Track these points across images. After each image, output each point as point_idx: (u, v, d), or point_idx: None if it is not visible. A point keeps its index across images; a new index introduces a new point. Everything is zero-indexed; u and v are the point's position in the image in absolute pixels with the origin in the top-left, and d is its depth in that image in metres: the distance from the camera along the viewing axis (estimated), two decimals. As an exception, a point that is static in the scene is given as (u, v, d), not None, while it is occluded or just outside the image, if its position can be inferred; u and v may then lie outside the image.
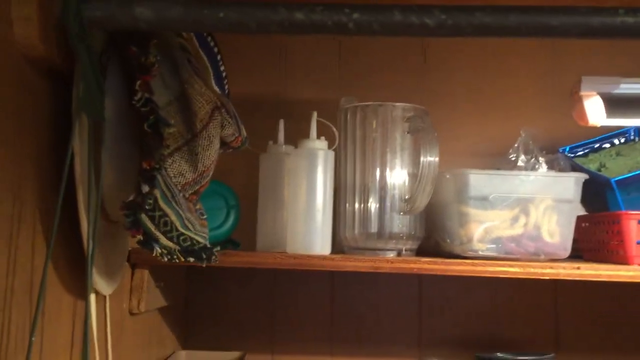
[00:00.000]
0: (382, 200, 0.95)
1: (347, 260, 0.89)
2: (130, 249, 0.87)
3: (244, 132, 0.76)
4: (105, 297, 0.77)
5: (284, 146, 1.01)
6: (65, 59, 0.59)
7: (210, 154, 0.69)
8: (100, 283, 0.71)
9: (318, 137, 0.96)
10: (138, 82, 0.60)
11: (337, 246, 0.99)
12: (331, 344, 1.23)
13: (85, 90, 0.56)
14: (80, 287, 0.68)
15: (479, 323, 1.20)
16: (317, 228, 0.92)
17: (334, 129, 0.98)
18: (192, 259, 0.69)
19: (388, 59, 1.24)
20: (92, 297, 0.70)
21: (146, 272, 0.91)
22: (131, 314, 0.90)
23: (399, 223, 0.95)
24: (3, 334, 0.53)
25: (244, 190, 1.06)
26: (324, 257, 0.90)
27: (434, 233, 1.00)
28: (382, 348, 1.23)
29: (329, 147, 0.96)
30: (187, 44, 0.67)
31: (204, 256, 0.70)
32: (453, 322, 1.21)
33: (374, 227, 0.95)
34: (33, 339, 0.53)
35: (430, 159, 0.89)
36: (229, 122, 0.70)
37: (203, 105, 0.67)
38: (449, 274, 0.89)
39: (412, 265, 0.89)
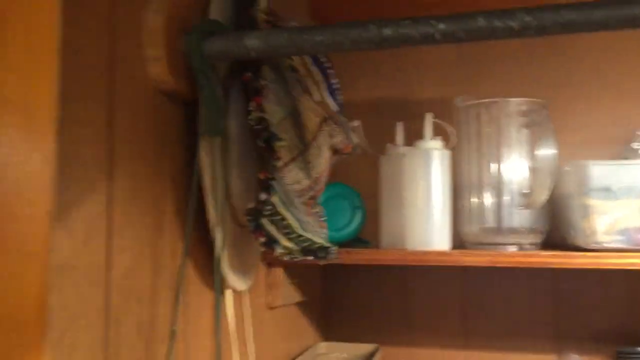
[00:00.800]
0: (499, 196, 0.96)
1: (464, 255, 0.92)
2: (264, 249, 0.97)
3: (354, 139, 0.82)
4: (241, 292, 0.87)
5: (402, 147, 1.05)
6: (192, 89, 0.69)
7: (321, 162, 0.75)
8: (234, 280, 0.80)
9: (437, 136, 0.99)
10: (251, 103, 0.69)
11: (459, 242, 1.01)
12: (465, 337, 1.25)
13: (207, 114, 0.65)
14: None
15: (618, 317, 1.16)
16: (435, 225, 0.96)
17: (449, 128, 1.01)
18: (310, 258, 0.76)
19: (507, 50, 1.23)
20: (229, 293, 0.80)
21: (280, 270, 1.00)
22: (269, 308, 1.00)
23: (518, 218, 0.96)
24: (150, 325, 0.63)
25: (370, 191, 1.12)
26: (441, 253, 0.94)
27: (559, 226, 0.99)
28: (518, 342, 1.22)
29: (447, 146, 0.99)
30: (297, 64, 0.75)
31: (320, 255, 0.77)
32: (591, 316, 1.18)
33: (492, 222, 0.97)
34: (174, 328, 0.63)
35: (547, 152, 0.89)
36: (337, 132, 0.77)
37: (312, 119, 0.74)
38: (569, 266, 0.88)
39: (531, 259, 0.89)
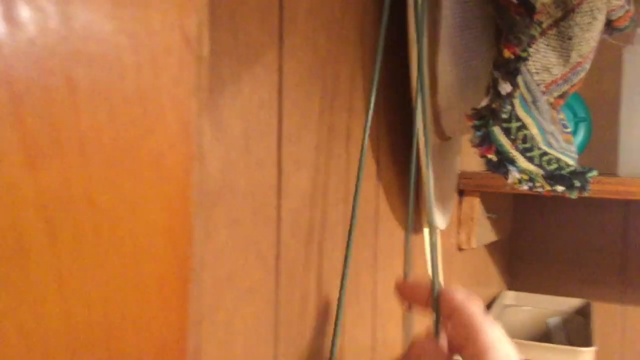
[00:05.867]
0: None
1: None
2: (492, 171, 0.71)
3: (631, 5, 0.52)
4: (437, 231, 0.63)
5: (661, 35, 0.73)
6: None
7: (591, 37, 0.47)
8: (437, 215, 0.56)
9: None
10: None
11: None
12: None
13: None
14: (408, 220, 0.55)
15: None
16: None
17: None
18: (560, 188, 0.50)
19: None
20: (426, 232, 0.57)
21: (477, 201, 0.75)
22: (459, 249, 0.76)
23: None
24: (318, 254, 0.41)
25: (603, 99, 0.82)
26: None
27: None
28: None
29: None
30: None
31: (576, 184, 0.50)
32: None
33: None
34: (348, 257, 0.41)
35: None
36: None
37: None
38: None
39: None
